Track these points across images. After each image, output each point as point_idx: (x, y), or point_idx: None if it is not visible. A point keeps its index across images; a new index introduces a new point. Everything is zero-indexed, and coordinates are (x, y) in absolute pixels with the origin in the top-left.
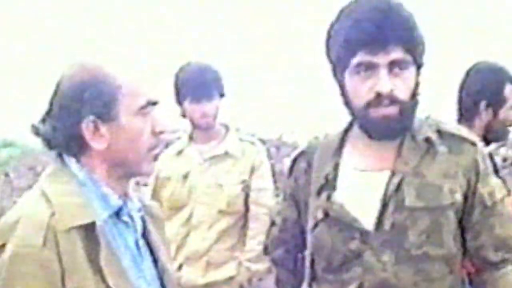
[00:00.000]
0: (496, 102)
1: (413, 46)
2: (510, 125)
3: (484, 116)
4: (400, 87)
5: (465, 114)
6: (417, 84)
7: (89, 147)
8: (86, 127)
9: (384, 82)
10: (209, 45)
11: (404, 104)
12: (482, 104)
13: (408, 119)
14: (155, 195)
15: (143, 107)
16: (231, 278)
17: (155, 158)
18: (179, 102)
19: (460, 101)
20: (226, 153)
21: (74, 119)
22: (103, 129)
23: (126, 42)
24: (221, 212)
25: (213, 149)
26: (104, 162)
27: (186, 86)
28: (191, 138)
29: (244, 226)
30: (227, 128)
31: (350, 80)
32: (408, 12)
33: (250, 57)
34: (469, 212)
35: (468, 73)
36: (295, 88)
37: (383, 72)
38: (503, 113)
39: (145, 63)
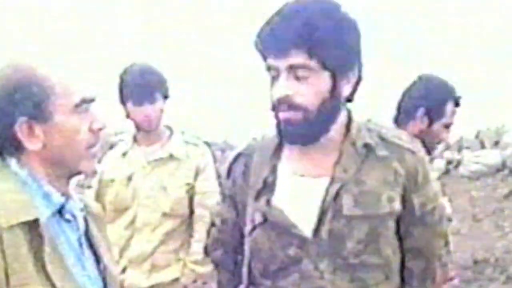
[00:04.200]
0: (434, 113)
1: (319, 51)
2: (438, 142)
3: (419, 122)
4: (303, 93)
5: (402, 116)
6: (332, 91)
7: (25, 148)
8: (20, 129)
9: (279, 87)
10: (156, 46)
11: (308, 111)
12: (421, 110)
13: (314, 126)
14: (98, 197)
15: (77, 105)
16: (175, 280)
17: (94, 155)
18: (123, 103)
19: (401, 102)
20: (171, 156)
21: (8, 120)
22: (37, 129)
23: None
24: (165, 215)
25: (157, 152)
26: (41, 162)
27: (128, 88)
28: (135, 140)
29: (189, 228)
30: (171, 130)
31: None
32: (325, 17)
33: (197, 61)
34: (401, 220)
35: (417, 79)
36: (241, 91)
37: (282, 76)
38: (437, 126)
39: (93, 64)
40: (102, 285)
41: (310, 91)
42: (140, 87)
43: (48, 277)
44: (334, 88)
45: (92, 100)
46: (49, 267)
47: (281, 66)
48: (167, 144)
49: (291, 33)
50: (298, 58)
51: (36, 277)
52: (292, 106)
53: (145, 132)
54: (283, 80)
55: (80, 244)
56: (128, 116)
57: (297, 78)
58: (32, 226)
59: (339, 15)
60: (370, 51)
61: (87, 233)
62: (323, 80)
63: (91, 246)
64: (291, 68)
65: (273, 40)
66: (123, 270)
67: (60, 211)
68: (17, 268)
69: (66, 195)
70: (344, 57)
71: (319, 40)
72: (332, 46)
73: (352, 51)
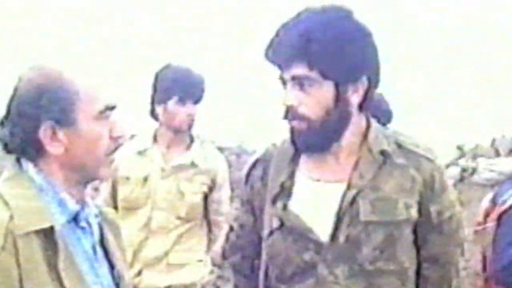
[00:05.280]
0: None
1: (319, 63)
2: None
3: None
4: (307, 104)
5: None
6: (337, 100)
7: (46, 152)
8: (44, 132)
9: (286, 96)
10: (166, 48)
11: (313, 121)
12: None
13: (320, 135)
14: (113, 193)
15: (101, 112)
16: (193, 283)
17: (112, 162)
18: (159, 101)
19: None
20: (192, 164)
21: (32, 124)
22: (61, 134)
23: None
24: (179, 219)
25: (179, 157)
26: (61, 167)
27: (172, 86)
28: (154, 139)
29: (201, 229)
30: (191, 136)
31: None
32: (325, 28)
33: (210, 62)
34: (418, 228)
35: None
36: (257, 95)
37: (288, 86)
38: None
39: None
40: None
41: (313, 101)
42: (187, 86)
43: (62, 285)
44: (339, 97)
45: (114, 107)
46: (63, 275)
47: (286, 77)
48: (189, 150)
49: (291, 45)
50: (299, 69)
51: (50, 284)
52: (297, 116)
53: (175, 133)
54: (288, 91)
55: (94, 252)
56: (154, 115)
57: (301, 89)
58: (47, 233)
59: (342, 24)
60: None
61: (102, 239)
62: (326, 91)
63: (106, 252)
64: (294, 79)
65: (277, 52)
66: (139, 273)
67: (75, 218)
68: (31, 275)
69: (82, 202)
70: (346, 67)
71: (318, 52)
72: (332, 57)
73: (357, 59)
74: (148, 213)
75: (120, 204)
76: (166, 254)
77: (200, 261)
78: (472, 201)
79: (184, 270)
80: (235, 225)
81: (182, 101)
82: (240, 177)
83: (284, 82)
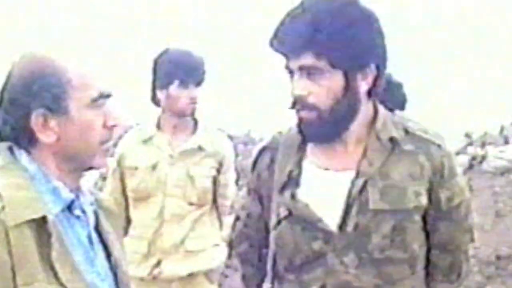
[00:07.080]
0: None
1: (327, 52)
2: None
3: None
4: (316, 93)
5: None
6: (346, 89)
7: (38, 141)
8: (35, 120)
9: (294, 87)
10: (174, 35)
11: (322, 110)
12: None
13: (330, 125)
14: (122, 185)
15: (94, 100)
16: (211, 270)
17: (107, 151)
18: (160, 86)
19: None
20: (199, 148)
21: (23, 111)
22: (53, 122)
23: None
24: (191, 204)
25: (186, 143)
26: (54, 156)
27: (175, 69)
28: (158, 126)
29: (212, 211)
30: (195, 121)
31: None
32: (332, 16)
33: (218, 51)
34: (427, 214)
35: None
36: (264, 83)
37: (295, 76)
38: None
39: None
40: (113, 280)
41: (322, 91)
42: (188, 69)
43: (55, 275)
44: (348, 86)
45: (109, 95)
46: (56, 265)
47: (293, 67)
48: (194, 135)
49: (298, 35)
50: (307, 59)
51: (43, 274)
52: (306, 106)
53: (179, 118)
54: (297, 81)
55: (90, 240)
56: (156, 101)
57: (310, 78)
58: (40, 223)
59: (349, 12)
60: None
61: (97, 227)
62: (335, 79)
63: (102, 241)
64: (302, 68)
65: (283, 42)
66: (158, 263)
67: (69, 207)
68: (24, 266)
69: (77, 190)
70: (355, 55)
71: (326, 41)
72: (340, 46)
73: (365, 47)
74: (161, 202)
75: (130, 195)
76: (183, 241)
77: (216, 246)
78: (481, 189)
79: (202, 256)
80: (242, 214)
81: (184, 84)
82: (247, 165)
83: (290, 72)
